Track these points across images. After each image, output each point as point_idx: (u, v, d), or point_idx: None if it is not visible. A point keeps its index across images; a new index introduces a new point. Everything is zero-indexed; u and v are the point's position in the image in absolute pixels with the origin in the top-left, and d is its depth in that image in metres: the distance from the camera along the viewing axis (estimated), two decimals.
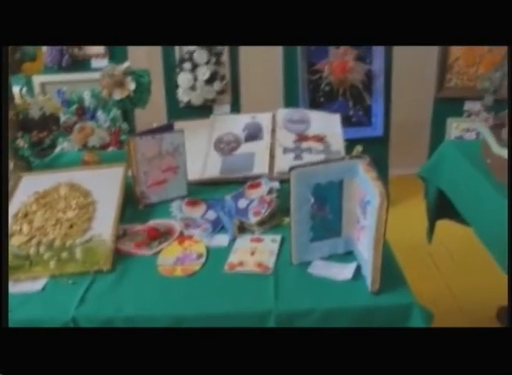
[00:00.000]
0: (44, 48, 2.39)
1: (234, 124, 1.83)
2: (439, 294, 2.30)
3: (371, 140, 2.70)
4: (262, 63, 3.11)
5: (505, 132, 1.51)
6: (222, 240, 1.30)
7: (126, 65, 1.71)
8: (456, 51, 2.89)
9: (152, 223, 1.38)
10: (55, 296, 1.11)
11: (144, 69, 1.77)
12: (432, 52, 2.93)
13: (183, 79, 2.81)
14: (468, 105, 2.90)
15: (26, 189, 1.45)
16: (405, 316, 1.04)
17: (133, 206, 1.47)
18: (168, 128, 1.51)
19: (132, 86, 1.68)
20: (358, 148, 1.30)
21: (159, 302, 1.09)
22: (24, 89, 1.67)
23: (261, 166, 1.63)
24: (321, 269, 1.15)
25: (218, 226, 1.36)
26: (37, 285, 1.15)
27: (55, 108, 1.74)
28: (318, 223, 1.17)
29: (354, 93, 2.99)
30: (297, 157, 1.65)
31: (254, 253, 1.22)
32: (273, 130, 1.77)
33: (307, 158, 1.63)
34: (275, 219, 1.37)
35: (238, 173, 1.62)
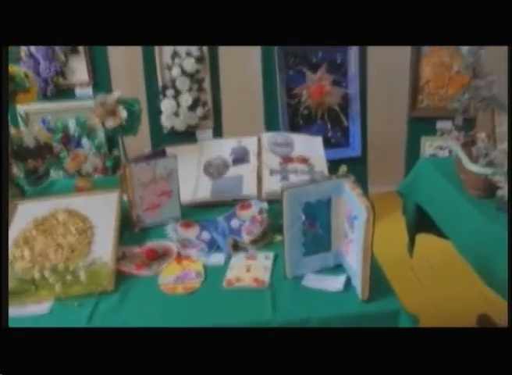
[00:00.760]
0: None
1: (221, 149, 1.90)
2: (422, 305, 2.36)
3: (349, 160, 2.76)
4: (243, 89, 3.19)
5: (475, 149, 1.62)
6: (218, 258, 1.37)
7: (117, 94, 1.77)
8: (426, 74, 3.05)
9: (150, 244, 1.44)
10: (64, 317, 1.15)
11: (134, 98, 1.84)
12: (404, 75, 3.07)
13: (166, 105, 2.87)
14: (440, 124, 2.99)
15: (23, 216, 1.49)
16: (393, 321, 1.12)
17: (129, 229, 1.52)
18: (161, 154, 1.57)
19: (124, 114, 1.74)
20: (343, 168, 1.39)
21: (163, 318, 1.14)
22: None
23: (249, 188, 1.70)
24: (315, 281, 1.23)
25: (213, 246, 1.42)
26: (44, 308, 1.18)
27: (47, 138, 1.80)
28: (310, 238, 1.25)
29: (332, 115, 3.11)
30: (284, 178, 1.72)
31: (249, 270, 1.29)
32: (259, 154, 1.85)
33: (293, 178, 1.71)
34: (267, 237, 1.44)
35: (228, 195, 1.69)
